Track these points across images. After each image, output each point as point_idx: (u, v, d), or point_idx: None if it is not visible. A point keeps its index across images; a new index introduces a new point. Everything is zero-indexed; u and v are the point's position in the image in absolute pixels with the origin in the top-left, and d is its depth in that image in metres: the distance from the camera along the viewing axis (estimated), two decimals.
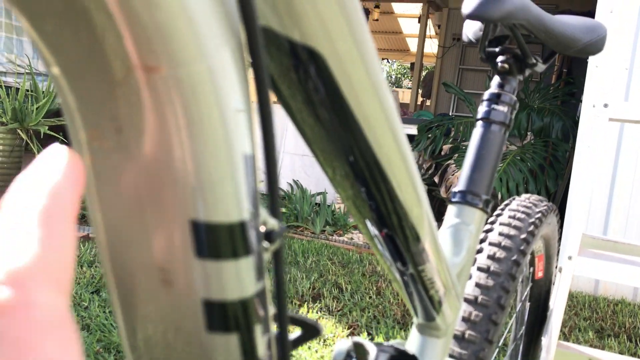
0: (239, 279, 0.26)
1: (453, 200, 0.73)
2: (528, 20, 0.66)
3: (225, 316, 0.26)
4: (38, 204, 0.18)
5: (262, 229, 0.28)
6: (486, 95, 0.76)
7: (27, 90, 3.97)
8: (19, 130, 3.87)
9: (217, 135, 0.23)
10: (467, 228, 0.71)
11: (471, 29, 0.77)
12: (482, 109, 0.76)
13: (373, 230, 0.50)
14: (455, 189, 0.74)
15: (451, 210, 0.73)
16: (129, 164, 0.23)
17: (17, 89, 4.01)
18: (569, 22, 0.76)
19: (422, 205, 0.50)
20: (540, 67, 0.77)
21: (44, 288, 0.16)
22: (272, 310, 0.30)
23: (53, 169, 0.19)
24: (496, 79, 0.77)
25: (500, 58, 0.75)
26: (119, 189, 0.24)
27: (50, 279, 0.17)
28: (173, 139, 0.22)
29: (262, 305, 0.28)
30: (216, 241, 0.24)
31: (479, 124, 0.75)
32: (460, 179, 0.74)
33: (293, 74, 0.33)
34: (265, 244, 0.28)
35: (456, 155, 4.29)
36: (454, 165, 4.16)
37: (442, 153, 4.48)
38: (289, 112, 0.37)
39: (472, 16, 0.62)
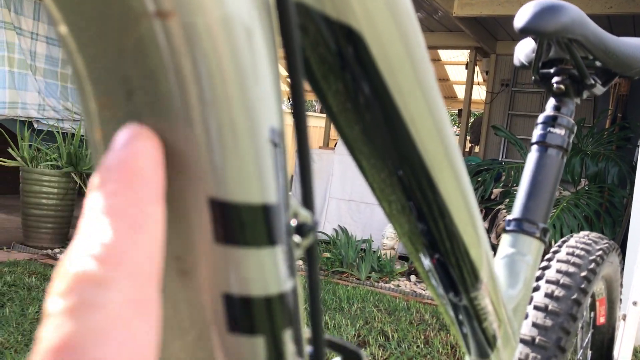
0: (263, 272, 0.22)
1: (507, 229, 0.68)
2: (585, 36, 0.62)
3: (249, 315, 0.22)
4: (124, 191, 0.18)
5: (293, 222, 0.24)
6: (541, 118, 0.72)
7: (82, 136, 4.11)
8: (72, 174, 3.99)
9: (237, 102, 0.20)
10: (523, 259, 0.66)
11: (523, 51, 0.74)
12: (537, 132, 0.71)
13: (427, 263, 0.46)
14: (509, 217, 0.69)
15: (505, 239, 0.68)
16: None
17: (73, 134, 4.17)
18: (630, 42, 0.72)
19: (482, 243, 0.47)
20: (599, 89, 0.72)
21: (129, 278, 0.17)
22: (306, 330, 0.27)
23: (133, 152, 0.18)
24: (551, 102, 0.72)
25: (555, 79, 0.71)
26: None
27: (136, 268, 0.17)
28: (188, 104, 0.19)
29: (293, 308, 0.24)
30: (237, 224, 0.21)
31: (534, 148, 0.71)
32: (515, 207, 0.69)
33: (333, 61, 0.30)
34: (297, 238, 0.25)
35: (507, 200, 4.17)
36: (505, 210, 4.04)
37: (492, 197, 4.36)
38: (343, 139, 0.35)
39: (526, 30, 0.58)
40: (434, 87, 0.34)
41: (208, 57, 0.19)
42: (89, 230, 0.17)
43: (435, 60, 9.10)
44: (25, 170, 3.90)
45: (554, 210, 3.77)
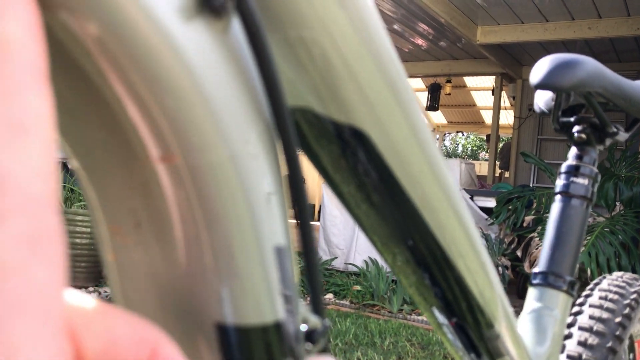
0: None
1: (533, 282, 0.67)
2: (604, 87, 0.61)
3: None
4: None
5: (303, 327, 0.25)
6: (564, 167, 0.71)
7: None
8: None
9: (244, 227, 0.21)
10: (550, 313, 0.64)
11: (542, 99, 0.73)
12: (560, 182, 0.71)
13: (441, 318, 0.46)
14: (535, 270, 0.68)
15: (532, 293, 0.67)
16: (150, 262, 0.21)
17: None
18: None
19: (495, 289, 0.46)
20: (623, 135, 0.71)
21: (19, 205, 0.11)
22: None
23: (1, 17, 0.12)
24: (574, 150, 0.72)
25: (576, 128, 0.70)
26: (140, 288, 0.22)
27: (28, 190, 0.12)
28: (193, 233, 0.20)
29: None
30: (247, 347, 0.22)
31: (558, 198, 0.70)
32: (540, 259, 0.68)
33: (340, 158, 0.31)
34: (308, 345, 0.25)
35: (539, 227, 4.09)
36: (538, 238, 3.96)
37: (524, 225, 4.29)
38: (342, 199, 0.35)
39: (542, 86, 0.58)
40: (436, 152, 0.35)
41: (213, 194, 0.20)
42: None
43: (461, 87, 9.08)
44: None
45: (589, 237, 3.68)
